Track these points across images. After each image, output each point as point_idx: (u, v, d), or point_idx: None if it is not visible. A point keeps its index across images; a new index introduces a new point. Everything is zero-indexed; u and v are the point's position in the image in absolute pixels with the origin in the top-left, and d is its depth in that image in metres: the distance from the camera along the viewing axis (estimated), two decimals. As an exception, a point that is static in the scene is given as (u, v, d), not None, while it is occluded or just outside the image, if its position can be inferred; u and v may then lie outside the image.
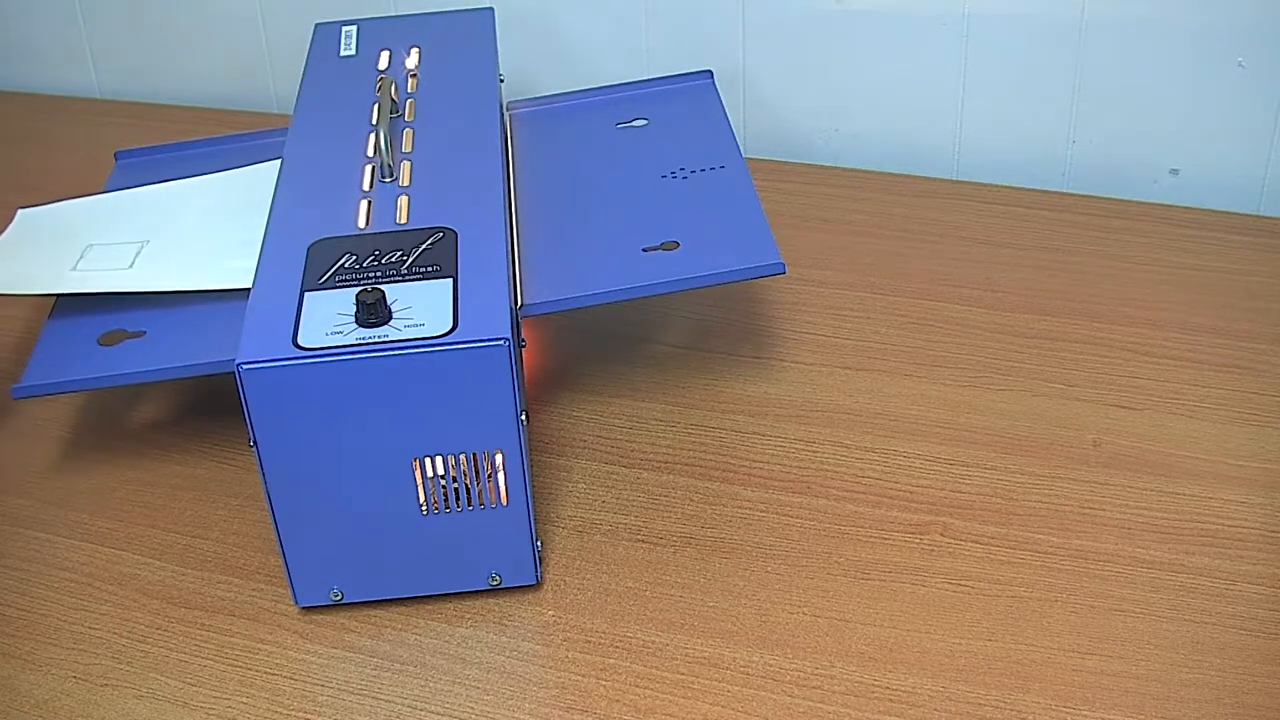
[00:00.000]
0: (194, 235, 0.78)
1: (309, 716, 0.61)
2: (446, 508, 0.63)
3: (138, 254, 0.76)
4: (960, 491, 0.71)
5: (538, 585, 0.67)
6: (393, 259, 0.65)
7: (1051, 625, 0.64)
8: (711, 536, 0.69)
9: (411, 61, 0.83)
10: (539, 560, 0.66)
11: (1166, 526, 0.69)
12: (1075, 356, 0.80)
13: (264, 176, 0.81)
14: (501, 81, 0.82)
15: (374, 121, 0.77)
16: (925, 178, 0.99)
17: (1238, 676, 0.61)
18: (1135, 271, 0.87)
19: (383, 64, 0.83)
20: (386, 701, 0.62)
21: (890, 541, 0.69)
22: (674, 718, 0.61)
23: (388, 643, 0.65)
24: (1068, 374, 0.79)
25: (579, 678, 0.63)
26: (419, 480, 0.62)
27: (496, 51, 0.84)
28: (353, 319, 0.61)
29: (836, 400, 0.78)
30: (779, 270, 0.69)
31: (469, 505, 0.63)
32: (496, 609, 0.66)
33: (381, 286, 0.62)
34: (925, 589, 0.66)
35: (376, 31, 0.87)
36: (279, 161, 0.79)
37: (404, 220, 0.68)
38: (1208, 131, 0.94)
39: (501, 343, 0.59)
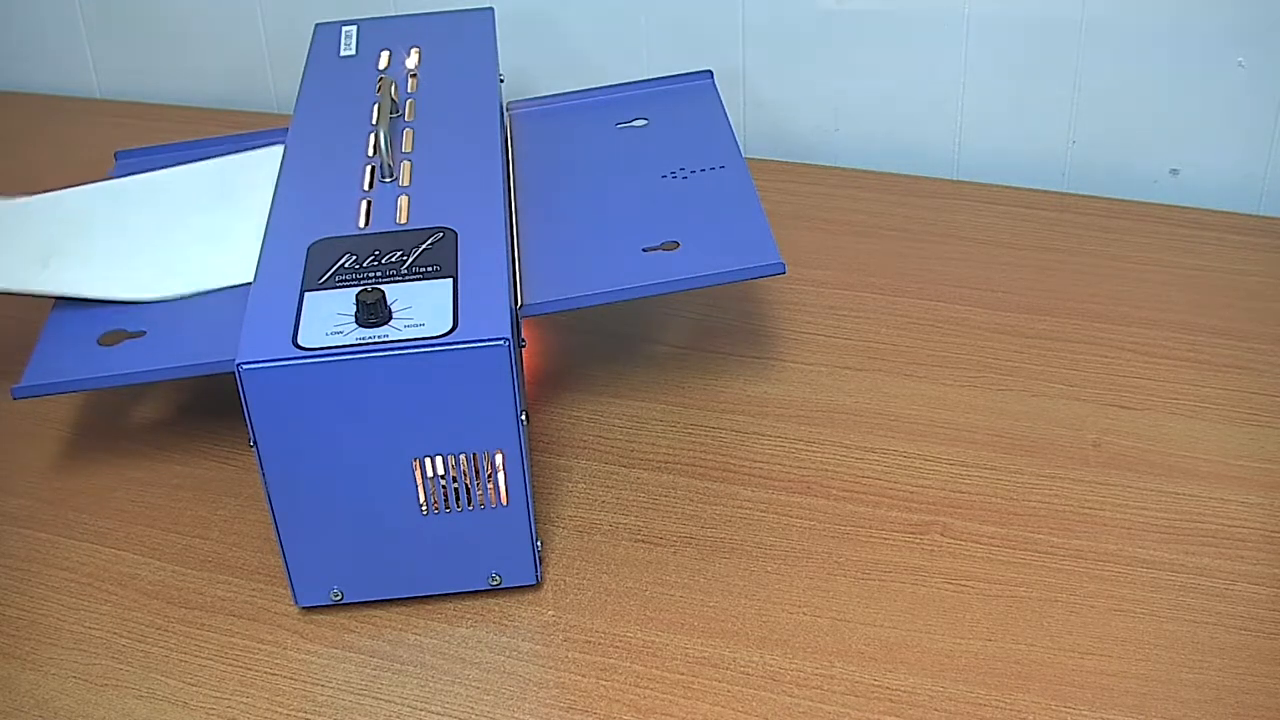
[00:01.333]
0: (111, 245, 0.77)
1: (309, 716, 0.61)
2: (446, 508, 0.63)
3: (46, 263, 0.76)
4: (960, 491, 0.71)
5: (538, 585, 0.67)
6: (393, 259, 0.65)
7: (1051, 625, 0.64)
8: (711, 536, 0.69)
9: (411, 61, 0.83)
10: (539, 560, 0.66)
11: (1166, 526, 0.69)
12: (1075, 356, 0.80)
13: (187, 180, 0.81)
14: (501, 81, 0.82)
15: (374, 121, 0.77)
16: (925, 178, 0.99)
17: (1238, 676, 0.61)
18: (1135, 271, 0.87)
19: (383, 64, 0.83)
20: (386, 701, 0.62)
21: (890, 541, 0.69)
22: (674, 718, 0.61)
23: (388, 643, 0.65)
24: (1068, 374, 0.79)
25: (579, 678, 0.63)
26: (419, 480, 0.62)
27: (496, 51, 0.84)
28: (353, 319, 0.61)
29: (836, 400, 0.78)
30: (779, 270, 0.69)
31: (469, 505, 0.63)
32: (496, 609, 0.66)
33: (381, 286, 0.62)
34: (925, 589, 0.66)
35: (376, 31, 0.87)
36: (213, 162, 0.79)
37: (404, 220, 0.68)
38: (1208, 131, 0.94)
39: (501, 343, 0.59)
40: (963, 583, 0.66)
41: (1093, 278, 0.87)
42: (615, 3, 1.01)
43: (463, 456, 0.61)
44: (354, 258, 0.65)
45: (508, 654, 0.64)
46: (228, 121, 1.10)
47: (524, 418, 0.62)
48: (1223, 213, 0.93)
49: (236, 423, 0.72)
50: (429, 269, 0.64)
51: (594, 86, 0.88)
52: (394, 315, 0.61)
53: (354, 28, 0.88)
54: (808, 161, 1.02)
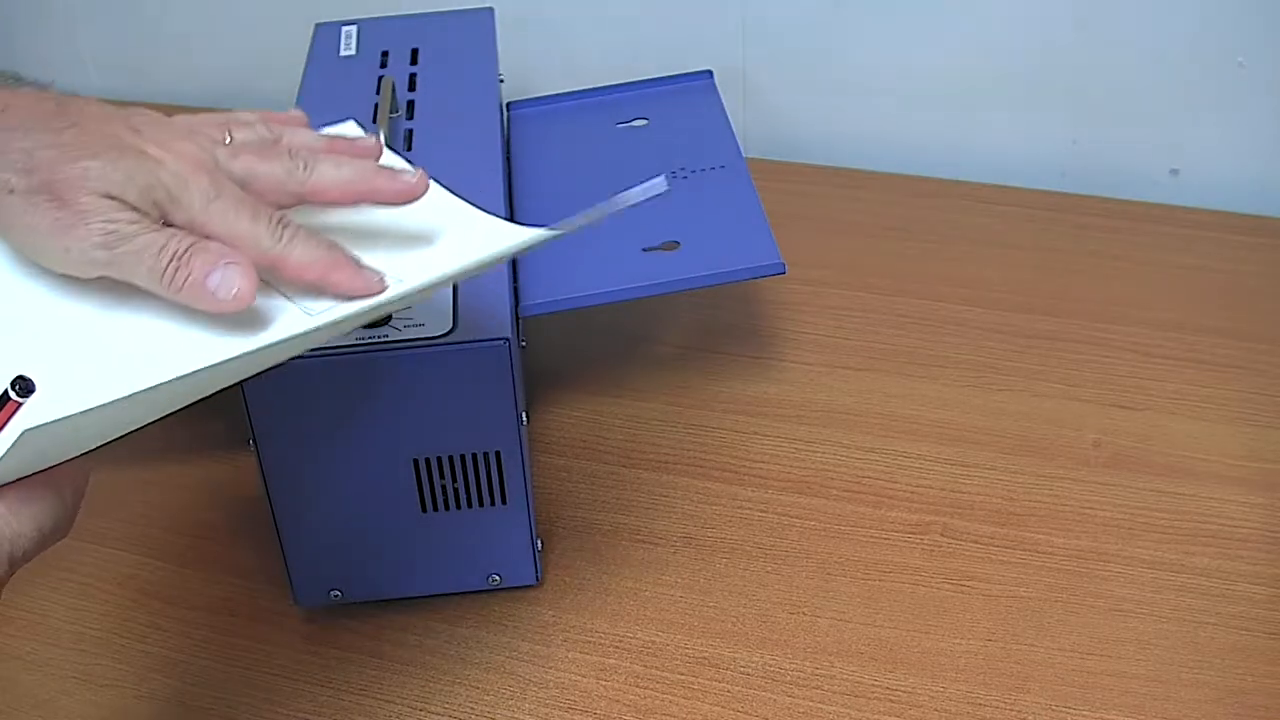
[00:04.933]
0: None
1: (309, 716, 0.61)
2: (446, 508, 0.63)
3: None
4: (960, 491, 0.71)
5: (538, 585, 0.66)
6: (393, 259, 0.65)
7: (1051, 625, 0.64)
8: (711, 536, 0.69)
9: (411, 62, 0.83)
10: (539, 560, 0.66)
11: (1166, 526, 0.69)
12: (1075, 356, 0.80)
13: None
14: (501, 81, 0.82)
15: (374, 121, 0.77)
16: (925, 178, 0.99)
17: (1238, 676, 0.61)
18: (1135, 271, 0.87)
19: (383, 64, 0.83)
20: (386, 701, 0.62)
21: (890, 541, 0.69)
22: (674, 718, 0.61)
23: (388, 643, 0.65)
24: (1068, 374, 0.79)
25: (579, 678, 0.63)
26: (419, 480, 0.62)
27: (496, 51, 0.84)
28: (353, 319, 0.61)
29: (836, 400, 0.78)
30: (779, 270, 0.69)
31: (469, 505, 0.63)
32: (496, 609, 0.66)
33: (381, 286, 0.62)
34: (925, 589, 0.66)
35: (376, 31, 0.87)
36: None
37: (404, 220, 0.68)
38: (1208, 131, 0.94)
39: (501, 343, 0.59)
40: (963, 583, 0.66)
41: (1093, 278, 0.87)
42: (615, 2, 1.01)
43: (463, 456, 0.61)
44: (354, 258, 0.65)
45: (508, 654, 0.64)
46: (228, 121, 1.10)
47: (524, 418, 0.62)
48: (1223, 213, 0.93)
49: (236, 423, 0.72)
50: (429, 269, 0.64)
51: (594, 86, 0.88)
52: (394, 315, 0.61)
53: (354, 28, 0.88)
54: (808, 161, 1.02)
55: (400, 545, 0.64)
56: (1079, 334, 0.82)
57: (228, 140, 0.53)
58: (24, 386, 0.43)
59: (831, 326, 0.83)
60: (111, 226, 0.49)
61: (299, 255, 0.51)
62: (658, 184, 0.54)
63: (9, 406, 0.44)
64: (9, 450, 0.41)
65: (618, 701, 0.61)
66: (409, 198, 0.55)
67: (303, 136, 0.55)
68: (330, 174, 0.53)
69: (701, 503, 0.71)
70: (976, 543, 0.68)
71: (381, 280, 0.52)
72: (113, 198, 0.49)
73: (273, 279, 0.51)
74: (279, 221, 0.51)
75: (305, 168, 0.53)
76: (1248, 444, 0.73)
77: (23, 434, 0.41)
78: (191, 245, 0.49)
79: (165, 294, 0.50)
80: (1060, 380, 0.78)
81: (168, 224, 0.50)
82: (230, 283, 0.49)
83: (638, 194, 0.55)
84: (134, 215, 0.49)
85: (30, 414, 0.45)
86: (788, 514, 0.70)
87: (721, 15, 1.00)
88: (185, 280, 0.49)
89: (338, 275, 0.52)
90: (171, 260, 0.49)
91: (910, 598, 0.66)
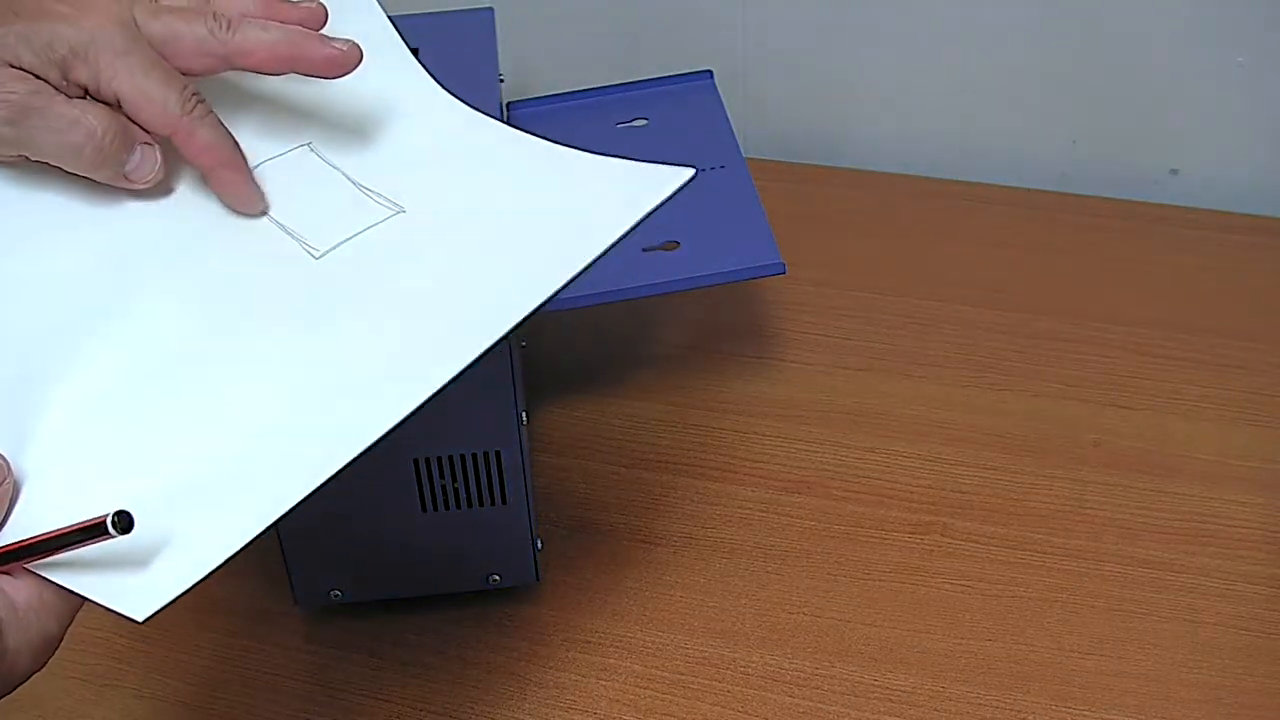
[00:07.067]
0: None
1: (309, 716, 0.61)
2: (446, 508, 0.63)
3: None
4: (960, 491, 0.71)
5: (538, 585, 0.67)
6: (393, 259, 0.65)
7: (1051, 625, 0.64)
8: (711, 536, 0.69)
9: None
10: (539, 560, 0.66)
11: (1166, 526, 0.69)
12: (1075, 356, 0.80)
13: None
14: (501, 81, 0.82)
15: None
16: (925, 178, 0.99)
17: (1238, 676, 0.61)
18: (1135, 271, 0.87)
19: (383, 64, 0.83)
20: (386, 701, 0.62)
21: (890, 541, 0.69)
22: (674, 718, 0.61)
23: (388, 643, 0.65)
24: (1068, 374, 0.79)
25: (579, 678, 0.63)
26: (419, 480, 0.62)
27: (496, 51, 0.84)
28: (353, 319, 0.60)
29: (836, 400, 0.78)
30: (779, 270, 0.69)
31: (469, 505, 0.63)
32: (496, 609, 0.66)
33: (381, 286, 0.62)
34: (925, 589, 0.66)
35: (376, 31, 0.87)
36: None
37: (404, 220, 0.68)
38: (1208, 131, 0.94)
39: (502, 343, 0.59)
40: (963, 583, 0.66)
41: (1093, 278, 0.87)
42: (615, 2, 1.01)
43: (462, 456, 0.61)
44: (354, 258, 0.65)
45: (508, 654, 0.64)
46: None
47: (524, 418, 0.62)
48: (1223, 213, 0.93)
49: (236, 423, 0.72)
50: (429, 269, 0.64)
51: (594, 86, 0.88)
52: (394, 315, 0.61)
53: (354, 28, 0.88)
54: (808, 161, 1.02)
55: (400, 545, 0.64)
56: (1079, 334, 0.82)
57: None
58: (125, 524, 0.43)
59: (831, 326, 0.83)
60: (11, 97, 0.46)
61: (205, 135, 0.49)
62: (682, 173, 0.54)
63: (99, 536, 0.43)
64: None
65: (618, 701, 0.61)
66: (338, 68, 0.52)
67: (238, 1, 0.52)
68: (255, 35, 0.51)
69: (701, 503, 0.71)
70: (976, 543, 0.68)
71: (263, 201, 0.51)
72: (12, 66, 0.47)
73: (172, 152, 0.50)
74: (192, 93, 0.49)
75: (228, 28, 0.50)
76: (1248, 444, 0.73)
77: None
78: (109, 121, 0.47)
79: (77, 170, 0.48)
80: (1060, 380, 0.78)
81: (75, 85, 0.48)
82: (147, 165, 0.48)
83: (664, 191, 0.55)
84: (35, 85, 0.47)
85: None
86: (788, 514, 0.70)
87: (721, 15, 1.00)
88: (101, 159, 0.48)
89: (230, 174, 0.50)
90: (87, 137, 0.47)
91: (910, 598, 0.66)
